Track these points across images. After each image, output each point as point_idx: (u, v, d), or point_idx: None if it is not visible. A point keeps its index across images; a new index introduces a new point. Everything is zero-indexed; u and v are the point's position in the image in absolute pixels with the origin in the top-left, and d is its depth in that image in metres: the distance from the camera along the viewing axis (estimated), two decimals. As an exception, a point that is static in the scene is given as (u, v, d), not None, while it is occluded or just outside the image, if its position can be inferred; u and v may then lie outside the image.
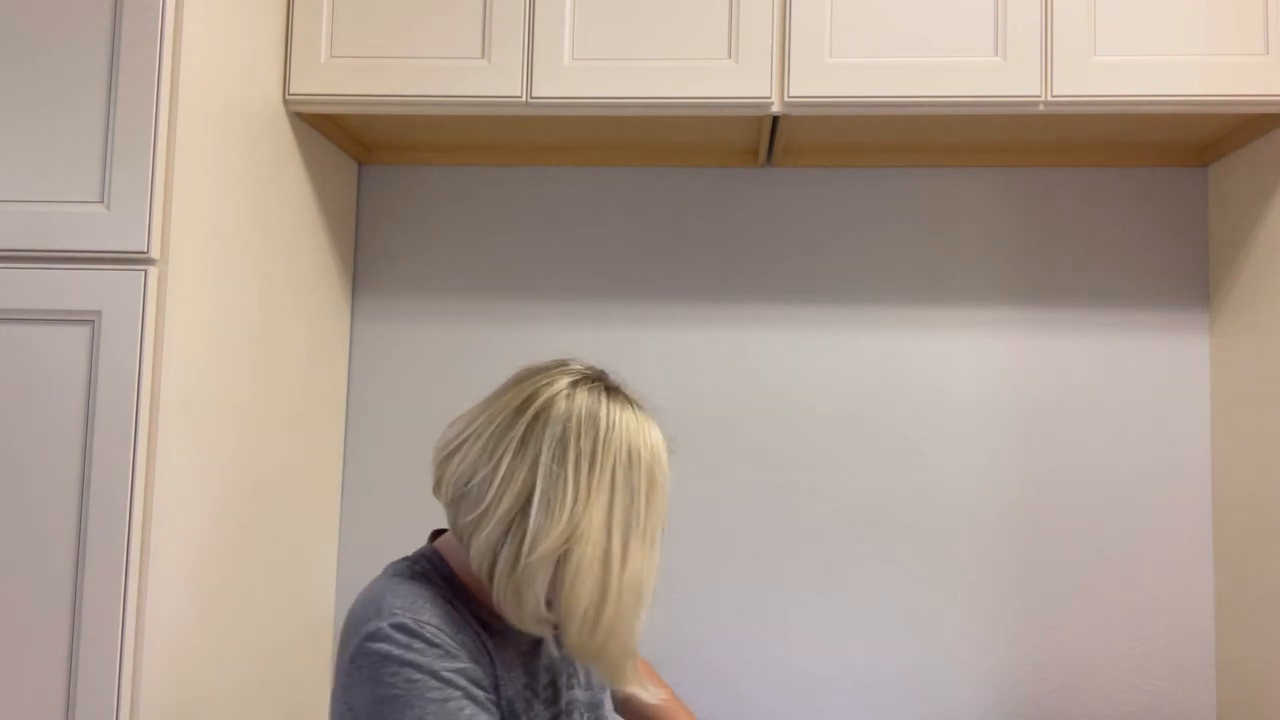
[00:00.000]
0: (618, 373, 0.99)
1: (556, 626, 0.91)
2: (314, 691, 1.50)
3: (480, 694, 0.86)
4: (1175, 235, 1.53)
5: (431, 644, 0.85)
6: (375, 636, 0.85)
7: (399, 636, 0.85)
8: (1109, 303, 1.53)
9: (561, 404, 0.90)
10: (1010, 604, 1.52)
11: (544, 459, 0.88)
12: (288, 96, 1.35)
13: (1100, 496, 1.51)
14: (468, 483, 0.90)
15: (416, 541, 1.63)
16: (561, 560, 0.86)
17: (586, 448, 0.88)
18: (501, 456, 0.89)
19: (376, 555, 1.60)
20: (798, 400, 1.56)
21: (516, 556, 0.87)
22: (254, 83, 1.28)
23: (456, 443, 0.93)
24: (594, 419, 0.89)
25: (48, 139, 1.09)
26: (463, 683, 0.85)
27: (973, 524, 1.53)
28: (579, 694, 1.03)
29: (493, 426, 0.91)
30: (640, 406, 0.94)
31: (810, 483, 1.56)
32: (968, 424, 1.54)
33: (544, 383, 0.93)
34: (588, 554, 0.86)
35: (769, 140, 1.48)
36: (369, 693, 0.84)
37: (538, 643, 1.00)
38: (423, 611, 0.87)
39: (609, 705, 1.10)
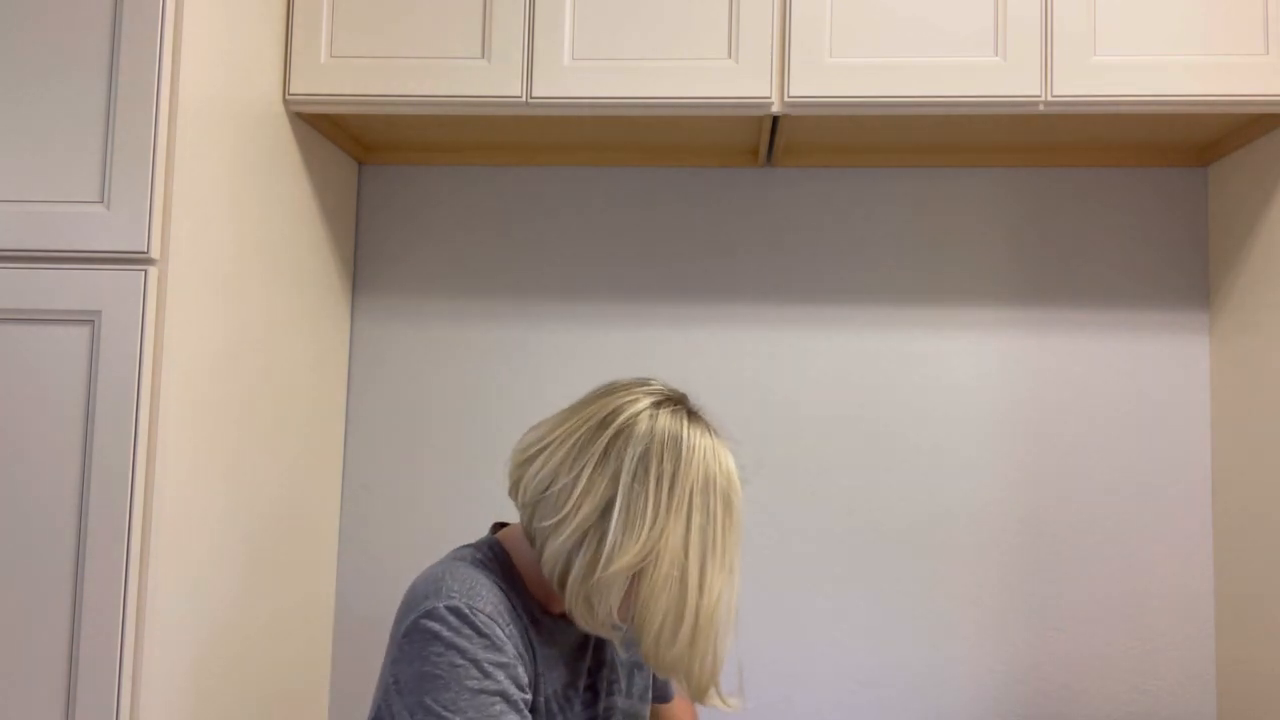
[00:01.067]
0: (699, 398, 0.99)
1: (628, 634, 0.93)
2: (313, 690, 1.50)
3: (516, 693, 0.87)
4: (1175, 235, 1.53)
5: (480, 633, 0.87)
6: (430, 615, 0.87)
7: (451, 619, 0.87)
8: (1109, 303, 1.53)
9: (644, 423, 0.92)
10: (1010, 604, 1.52)
11: (624, 475, 0.89)
12: (288, 96, 1.35)
13: (1100, 496, 1.51)
14: (546, 489, 0.92)
15: (417, 541, 1.64)
16: (638, 576, 0.88)
17: (669, 469, 0.89)
18: (583, 468, 0.91)
19: (376, 555, 1.60)
20: (797, 400, 1.56)
21: (592, 567, 0.88)
22: (254, 83, 1.28)
23: (537, 448, 0.95)
24: (676, 441, 0.91)
25: (48, 139, 1.09)
26: (501, 678, 0.86)
27: (973, 524, 1.53)
28: (619, 700, 1.03)
29: (575, 437, 0.93)
30: (718, 433, 0.96)
31: (810, 482, 1.56)
32: (968, 424, 1.54)
33: (628, 400, 0.94)
34: (663, 572, 0.87)
35: (769, 140, 1.48)
36: (415, 668, 0.86)
37: (584, 644, 1.01)
38: (478, 598, 0.89)
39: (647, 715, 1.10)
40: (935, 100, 1.28)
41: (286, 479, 1.39)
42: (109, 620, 1.03)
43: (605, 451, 0.91)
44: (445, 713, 0.84)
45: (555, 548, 0.90)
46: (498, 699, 0.86)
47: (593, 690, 1.01)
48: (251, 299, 1.28)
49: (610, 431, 0.92)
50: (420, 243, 1.64)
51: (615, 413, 0.93)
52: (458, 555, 0.97)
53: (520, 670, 0.89)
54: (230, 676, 1.24)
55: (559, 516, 0.90)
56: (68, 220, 1.08)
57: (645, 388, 0.97)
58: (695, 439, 0.92)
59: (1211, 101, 1.26)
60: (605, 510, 0.89)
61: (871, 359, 1.56)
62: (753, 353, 1.57)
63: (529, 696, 0.89)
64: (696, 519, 0.89)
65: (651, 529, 0.87)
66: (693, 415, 0.95)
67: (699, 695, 0.92)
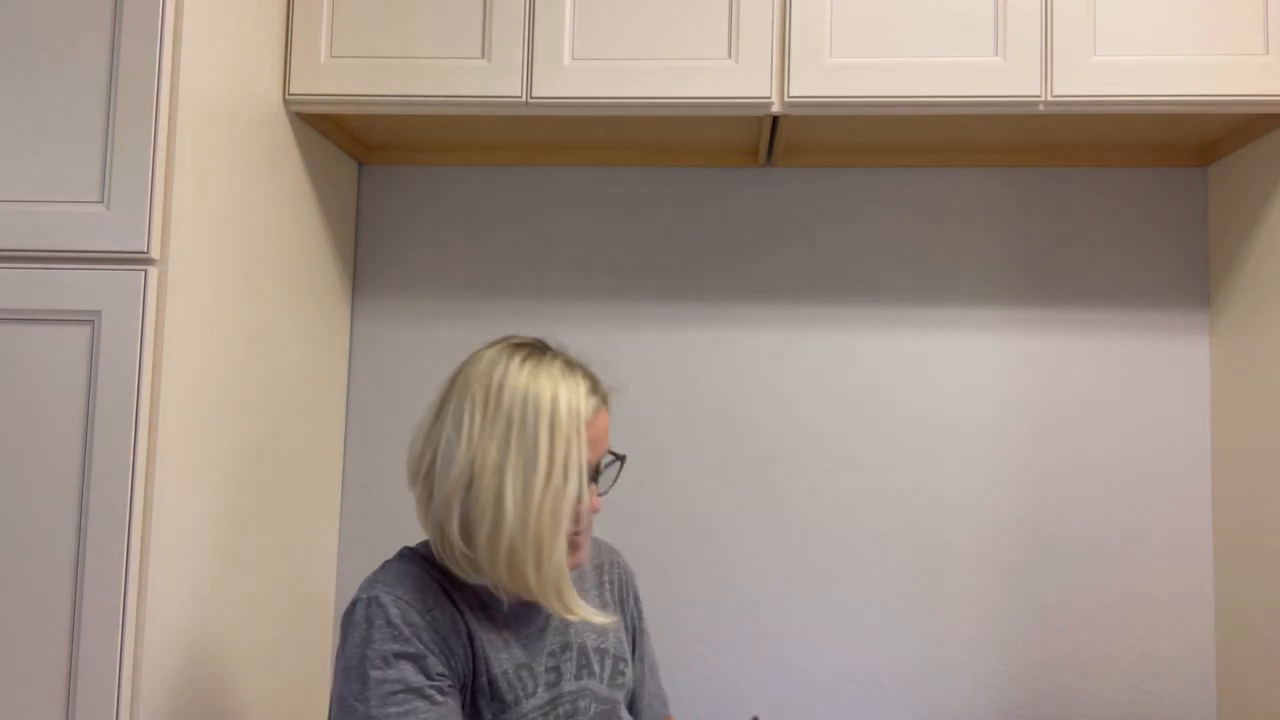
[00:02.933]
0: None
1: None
2: (313, 690, 1.50)
3: (421, 681, 0.92)
4: (1175, 235, 1.53)
5: (390, 624, 0.93)
6: (352, 609, 0.96)
7: (365, 612, 0.94)
8: (1109, 303, 1.53)
9: (471, 367, 1.00)
10: (1010, 604, 1.52)
11: (450, 411, 0.98)
12: (288, 96, 1.35)
13: (1100, 496, 1.51)
14: (411, 461, 1.02)
15: (416, 540, 1.63)
16: (465, 495, 0.95)
17: (480, 395, 0.97)
18: (429, 424, 1.01)
19: (376, 554, 1.59)
20: (797, 399, 1.56)
21: (430, 495, 0.98)
22: (254, 83, 1.28)
23: (412, 437, 1.04)
24: (491, 372, 0.98)
25: (48, 139, 1.09)
26: (405, 667, 0.92)
27: (973, 523, 1.53)
28: (592, 684, 1.05)
29: (428, 407, 1.03)
30: (567, 364, 1.01)
31: (810, 482, 1.56)
32: (968, 423, 1.54)
33: (471, 355, 1.03)
34: (485, 486, 0.94)
35: (769, 140, 1.48)
36: (340, 661, 0.95)
37: (544, 628, 1.05)
38: (400, 587, 0.96)
39: (627, 711, 1.12)
40: (935, 100, 1.28)
41: (286, 479, 1.39)
42: (109, 620, 1.03)
43: (443, 400, 1.00)
44: (354, 703, 0.91)
45: (419, 507, 1.00)
46: (399, 688, 0.91)
47: (556, 670, 1.03)
48: (252, 299, 1.28)
49: (448, 384, 1.01)
50: (420, 243, 1.64)
51: (457, 370, 1.02)
52: (402, 552, 1.04)
53: (431, 660, 0.93)
54: (230, 677, 1.24)
55: (416, 475, 1.00)
56: (68, 220, 1.08)
57: (497, 342, 1.04)
58: (515, 367, 0.98)
59: (1211, 101, 1.26)
60: (442, 447, 0.97)
61: (871, 358, 1.56)
62: (752, 352, 1.57)
63: (442, 684, 0.93)
64: (516, 435, 0.95)
65: (469, 447, 0.95)
66: (531, 351, 1.01)
67: (553, 608, 0.97)
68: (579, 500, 0.96)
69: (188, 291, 1.12)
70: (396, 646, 0.92)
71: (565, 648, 1.06)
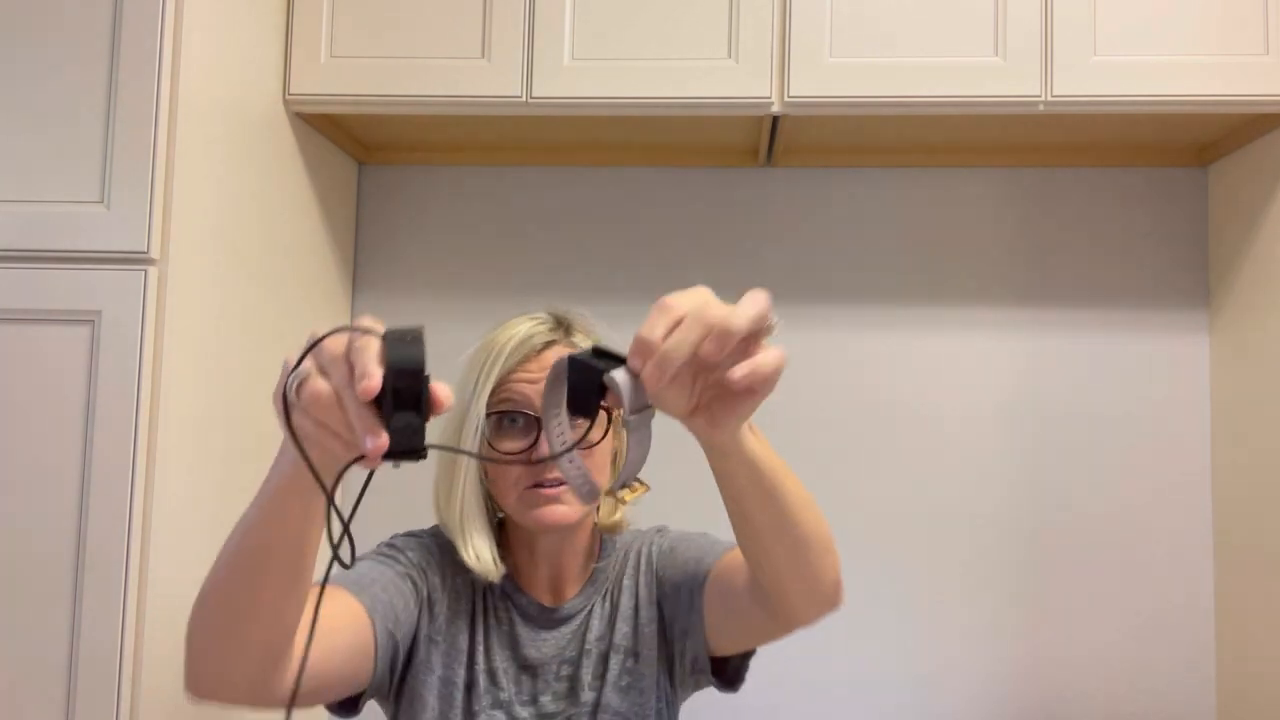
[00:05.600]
0: (570, 310, 1.06)
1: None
2: (314, 691, 1.50)
3: (399, 559, 0.98)
4: (1175, 235, 1.53)
5: (406, 534, 1.04)
6: None
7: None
8: (1109, 303, 1.53)
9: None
10: (1010, 604, 1.52)
11: None
12: (288, 96, 1.35)
13: (1100, 496, 1.51)
14: None
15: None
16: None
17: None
18: None
19: (376, 555, 1.60)
20: (797, 399, 1.56)
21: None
22: (254, 83, 1.28)
23: None
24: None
25: (48, 139, 1.09)
26: (392, 553, 0.99)
27: (973, 524, 1.53)
28: (615, 700, 0.97)
29: None
30: (551, 314, 1.04)
31: (809, 482, 1.55)
32: (967, 423, 1.54)
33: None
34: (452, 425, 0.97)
35: (769, 140, 1.48)
36: None
37: (572, 635, 1.00)
38: (426, 535, 1.04)
39: None
40: (935, 100, 1.28)
41: (286, 479, 1.39)
42: (109, 620, 1.03)
43: None
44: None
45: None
46: (381, 552, 1.00)
47: (570, 681, 0.99)
48: (251, 299, 1.28)
49: None
50: (420, 243, 1.64)
51: None
52: None
53: (413, 570, 0.98)
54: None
55: None
56: (68, 220, 1.08)
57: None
58: (495, 329, 1.01)
59: (1211, 101, 1.26)
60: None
61: (871, 358, 1.56)
62: (753, 353, 1.57)
63: (412, 574, 0.98)
64: (469, 373, 0.98)
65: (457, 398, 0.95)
66: (531, 313, 1.03)
67: (519, 522, 0.97)
68: (480, 435, 0.93)
69: (188, 291, 1.12)
70: (394, 541, 1.02)
71: (582, 655, 0.99)
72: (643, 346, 0.59)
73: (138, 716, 1.04)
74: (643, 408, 0.62)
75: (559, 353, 0.96)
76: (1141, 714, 1.49)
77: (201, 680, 0.74)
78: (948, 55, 1.29)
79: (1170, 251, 1.53)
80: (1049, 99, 1.27)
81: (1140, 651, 1.49)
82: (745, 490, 0.73)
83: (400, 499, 1.61)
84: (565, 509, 0.94)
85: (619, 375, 0.60)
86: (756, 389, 0.61)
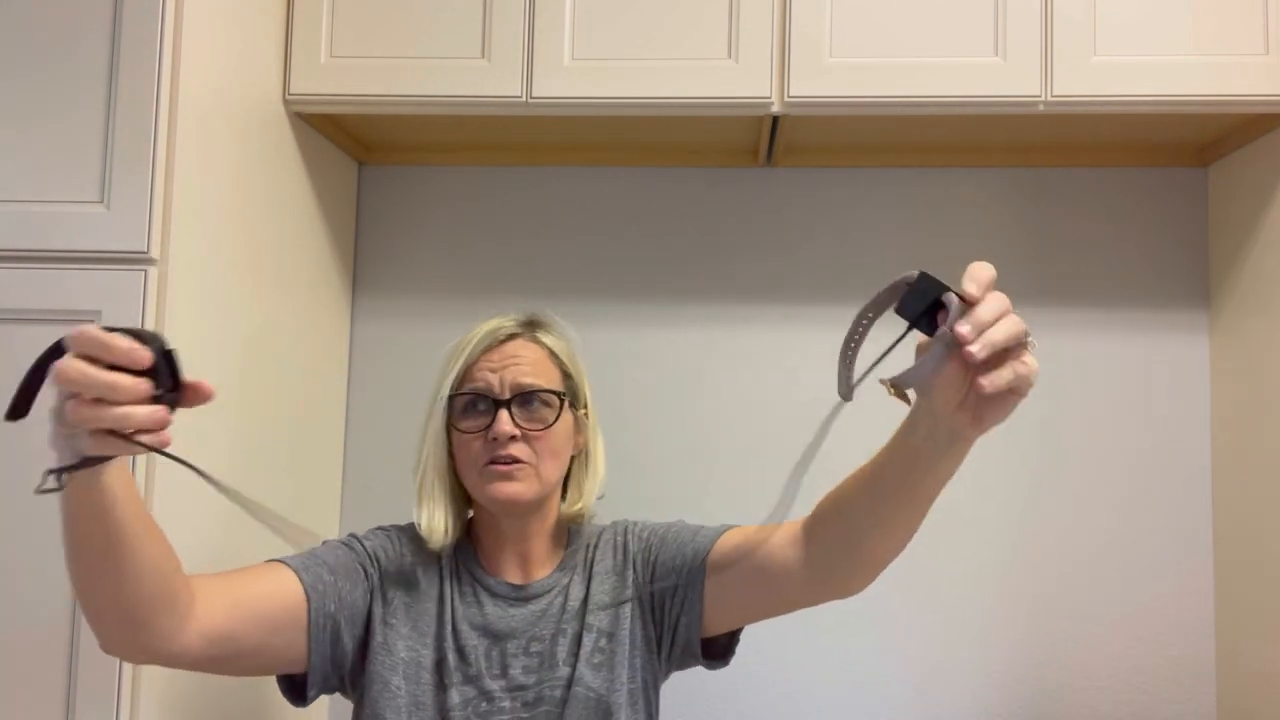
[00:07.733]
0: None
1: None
2: (314, 691, 1.50)
3: (354, 547, 1.05)
4: (1175, 235, 1.53)
5: (374, 530, 1.10)
6: None
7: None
8: (1109, 303, 1.53)
9: None
10: (1010, 604, 1.52)
11: None
12: (288, 96, 1.35)
13: (1100, 496, 1.51)
14: None
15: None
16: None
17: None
18: None
19: (376, 555, 1.60)
20: (797, 400, 1.56)
21: None
22: (254, 83, 1.28)
23: None
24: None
25: (48, 139, 1.09)
26: (353, 543, 1.06)
27: (972, 523, 1.53)
28: (587, 674, 1.00)
29: None
30: (520, 314, 1.09)
31: (809, 482, 1.55)
32: (968, 424, 1.54)
33: None
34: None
35: (769, 140, 1.48)
36: None
37: (542, 613, 1.03)
38: (394, 528, 1.10)
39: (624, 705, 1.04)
40: (935, 100, 1.28)
41: (286, 479, 1.39)
42: (109, 620, 1.02)
43: None
44: None
45: None
46: (342, 541, 1.06)
47: (541, 656, 1.01)
48: (251, 299, 1.28)
49: None
50: (420, 243, 1.64)
51: None
52: None
53: (369, 566, 1.03)
54: (231, 676, 1.24)
55: None
56: (68, 220, 1.08)
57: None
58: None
59: (1211, 101, 1.26)
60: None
61: (871, 358, 1.55)
62: (752, 352, 1.57)
63: (365, 564, 1.03)
64: (442, 363, 1.07)
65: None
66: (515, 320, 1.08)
67: (479, 500, 1.04)
68: (450, 419, 1.03)
69: (188, 291, 1.12)
70: (357, 535, 1.07)
71: (559, 634, 1.01)
72: (980, 317, 0.70)
73: (137, 716, 1.04)
74: (951, 344, 0.70)
75: (521, 344, 1.05)
76: (1141, 714, 1.49)
77: (99, 641, 0.84)
78: (948, 55, 1.29)
79: (1170, 251, 1.53)
80: (1049, 99, 1.27)
81: (1140, 651, 1.49)
82: (930, 474, 0.89)
83: (401, 497, 1.61)
84: (519, 486, 1.00)
85: (955, 299, 0.71)
86: (1022, 390, 0.71)
